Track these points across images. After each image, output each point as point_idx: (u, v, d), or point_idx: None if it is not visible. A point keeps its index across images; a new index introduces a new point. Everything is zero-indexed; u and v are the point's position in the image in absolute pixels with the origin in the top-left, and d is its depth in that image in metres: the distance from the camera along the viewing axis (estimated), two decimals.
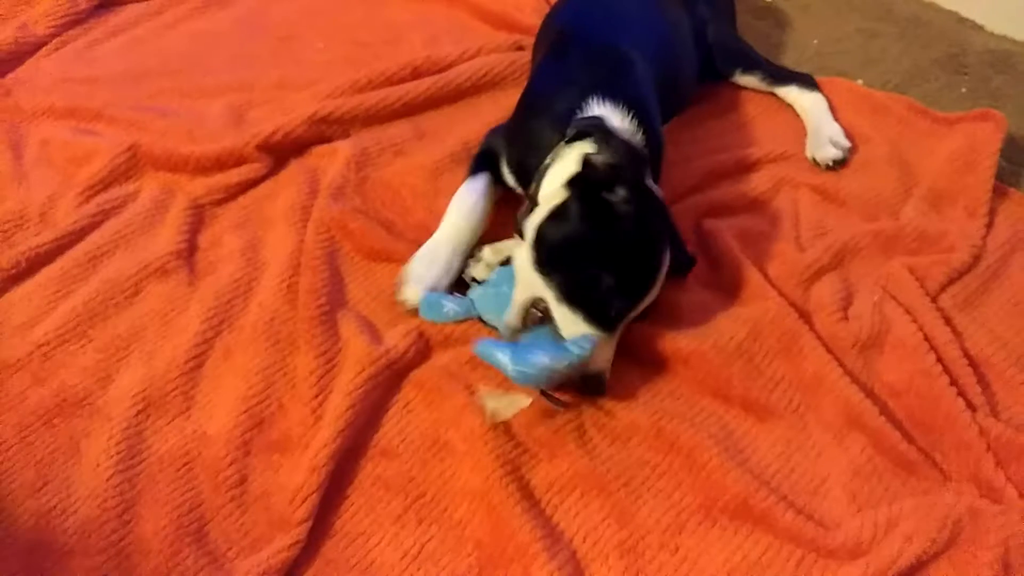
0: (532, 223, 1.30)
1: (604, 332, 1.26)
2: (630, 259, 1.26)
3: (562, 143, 1.38)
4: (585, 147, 1.33)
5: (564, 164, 1.34)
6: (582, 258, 1.25)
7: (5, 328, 1.44)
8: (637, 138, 1.41)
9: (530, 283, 1.28)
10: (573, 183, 1.28)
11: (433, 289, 1.43)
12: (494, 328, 1.38)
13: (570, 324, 1.25)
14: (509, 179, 1.57)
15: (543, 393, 1.28)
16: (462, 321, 1.41)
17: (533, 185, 1.40)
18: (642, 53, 1.59)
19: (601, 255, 1.25)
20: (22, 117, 1.86)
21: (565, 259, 1.26)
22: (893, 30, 2.17)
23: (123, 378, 1.36)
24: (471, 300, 1.41)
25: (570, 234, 1.26)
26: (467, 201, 1.51)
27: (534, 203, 1.36)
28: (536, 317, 1.28)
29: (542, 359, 1.20)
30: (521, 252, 1.31)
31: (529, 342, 1.25)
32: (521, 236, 1.34)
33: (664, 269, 1.31)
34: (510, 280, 1.34)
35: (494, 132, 1.65)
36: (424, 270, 1.44)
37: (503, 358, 1.22)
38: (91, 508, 1.20)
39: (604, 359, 1.27)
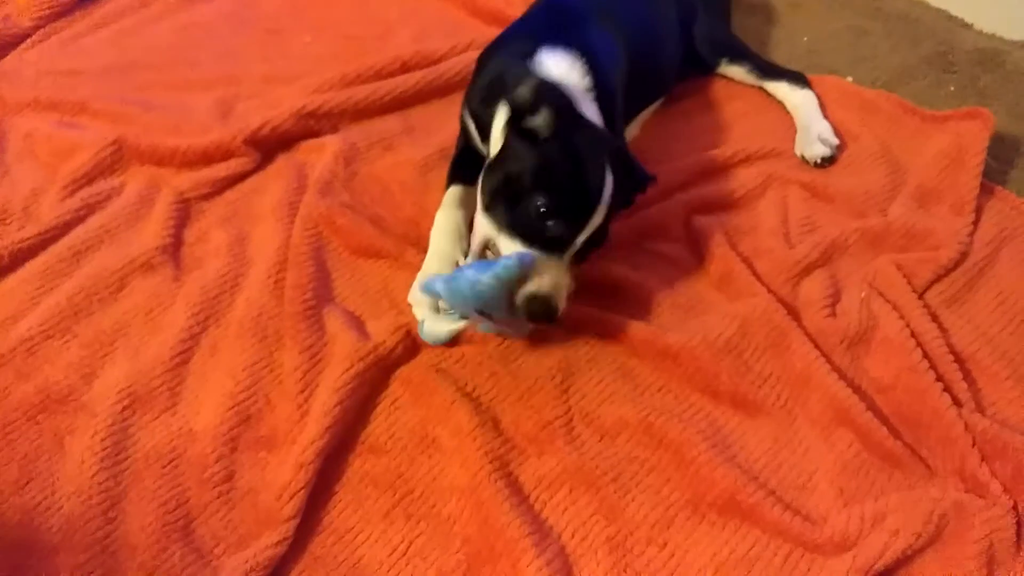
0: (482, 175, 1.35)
1: (548, 254, 1.25)
2: (563, 180, 1.27)
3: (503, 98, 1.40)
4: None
5: (500, 118, 1.39)
6: (517, 189, 1.28)
7: None
8: (586, 81, 1.44)
9: (480, 229, 1.32)
10: (505, 125, 1.33)
11: (439, 302, 1.38)
12: (503, 333, 1.37)
13: (509, 250, 1.26)
14: (482, 147, 1.58)
15: (478, 320, 1.28)
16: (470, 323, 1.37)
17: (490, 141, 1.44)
18: (612, 20, 1.64)
19: (533, 180, 1.27)
20: (5, 110, 1.85)
21: (503, 193, 1.29)
22: (883, 28, 2.17)
23: (108, 374, 1.35)
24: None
25: (505, 170, 1.30)
26: (445, 223, 1.51)
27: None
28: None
29: (466, 273, 1.20)
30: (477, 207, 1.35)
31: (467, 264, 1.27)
32: None
33: (604, 190, 1.29)
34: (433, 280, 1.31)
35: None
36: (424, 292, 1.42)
37: (439, 284, 1.22)
38: (76, 505, 1.19)
39: (549, 282, 1.23)
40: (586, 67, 1.45)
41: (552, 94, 1.32)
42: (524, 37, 1.55)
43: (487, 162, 1.38)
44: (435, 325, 1.34)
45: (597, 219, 1.29)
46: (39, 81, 1.92)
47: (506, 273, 1.19)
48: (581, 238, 1.28)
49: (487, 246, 1.31)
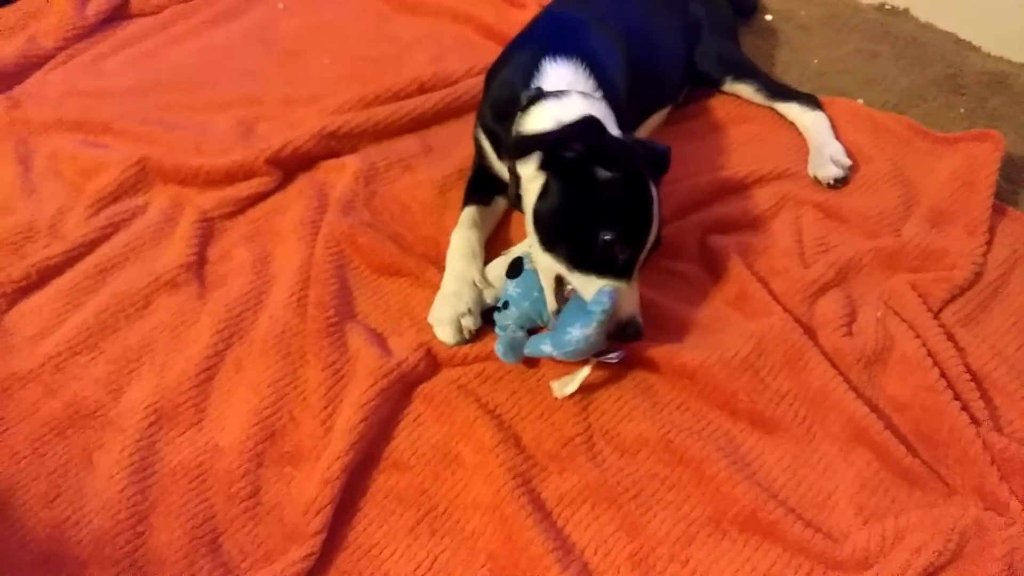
0: (528, 207, 1.37)
1: (620, 282, 1.30)
2: (621, 210, 1.31)
3: (519, 113, 1.44)
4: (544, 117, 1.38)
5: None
6: (576, 227, 1.31)
7: (16, 340, 1.45)
8: (590, 83, 1.48)
9: (546, 265, 1.35)
10: (545, 166, 1.34)
11: (459, 321, 1.43)
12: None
13: (587, 285, 1.30)
14: (494, 164, 1.62)
15: (599, 361, 1.35)
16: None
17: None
18: (609, 27, 1.68)
19: (593, 217, 1.30)
20: (31, 130, 1.88)
21: (563, 231, 1.32)
22: (891, 51, 2.21)
23: (135, 390, 1.37)
24: (515, 322, 1.41)
25: (559, 211, 1.33)
26: (461, 245, 1.54)
27: (515, 175, 1.42)
28: (569, 291, 1.34)
29: (574, 332, 1.27)
30: (529, 238, 1.38)
31: (562, 320, 1.32)
32: (517, 209, 1.44)
33: (654, 204, 1.34)
34: (528, 287, 1.40)
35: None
36: (445, 311, 1.44)
37: (547, 348, 1.31)
38: (104, 519, 1.21)
39: (631, 306, 1.32)
40: (588, 71, 1.49)
41: (579, 125, 1.32)
42: (526, 51, 1.58)
43: (523, 188, 1.39)
44: (564, 383, 1.36)
45: (654, 231, 1.34)
46: (63, 102, 1.96)
47: (606, 318, 1.27)
48: (644, 255, 1.33)
49: (560, 281, 1.34)
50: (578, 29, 1.65)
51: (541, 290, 1.39)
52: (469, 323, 1.43)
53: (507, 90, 1.54)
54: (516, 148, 1.37)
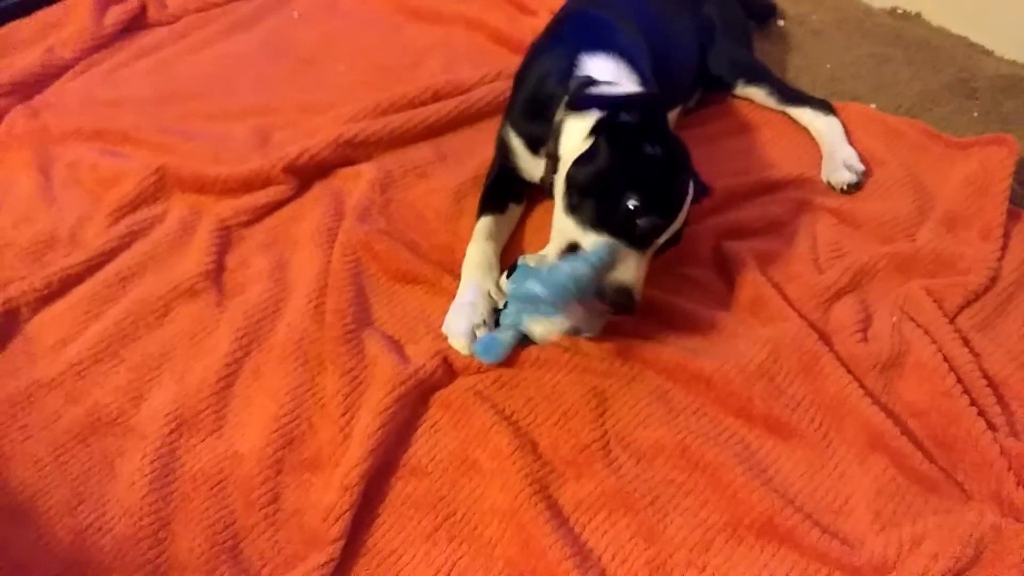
0: (560, 175, 1.38)
1: (632, 248, 1.32)
2: (655, 181, 1.34)
3: (566, 97, 1.46)
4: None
5: (578, 120, 1.43)
6: (608, 187, 1.33)
7: (38, 348, 1.47)
8: (633, 79, 1.50)
9: (564, 231, 1.37)
10: (597, 131, 1.37)
11: (474, 333, 1.43)
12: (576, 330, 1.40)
13: (598, 246, 1.31)
14: (522, 165, 1.64)
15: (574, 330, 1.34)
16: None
17: (550, 143, 1.49)
18: (632, 25, 1.71)
19: (627, 179, 1.32)
20: (50, 139, 1.90)
21: (591, 190, 1.35)
22: (904, 55, 2.21)
23: (155, 397, 1.39)
24: (512, 321, 1.41)
25: (597, 168, 1.35)
26: (478, 256, 1.55)
27: (555, 159, 1.45)
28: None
29: (564, 268, 1.27)
30: (556, 209, 1.40)
31: (556, 266, 1.31)
32: (551, 196, 1.46)
33: (688, 194, 1.37)
34: (522, 274, 1.37)
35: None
36: (460, 323, 1.44)
37: (535, 286, 1.28)
38: (127, 526, 1.22)
39: (631, 272, 1.32)
40: (629, 67, 1.52)
41: (643, 97, 1.37)
42: (559, 49, 1.60)
43: (561, 163, 1.42)
44: (543, 328, 1.34)
45: (679, 220, 1.36)
46: (82, 111, 1.98)
47: (599, 261, 1.27)
48: (664, 237, 1.35)
49: (571, 248, 1.35)
50: (610, 27, 1.67)
51: (532, 275, 1.35)
52: (483, 334, 1.43)
53: (543, 87, 1.56)
54: (578, 102, 1.40)
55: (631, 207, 1.30)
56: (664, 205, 1.34)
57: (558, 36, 1.73)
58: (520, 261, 1.41)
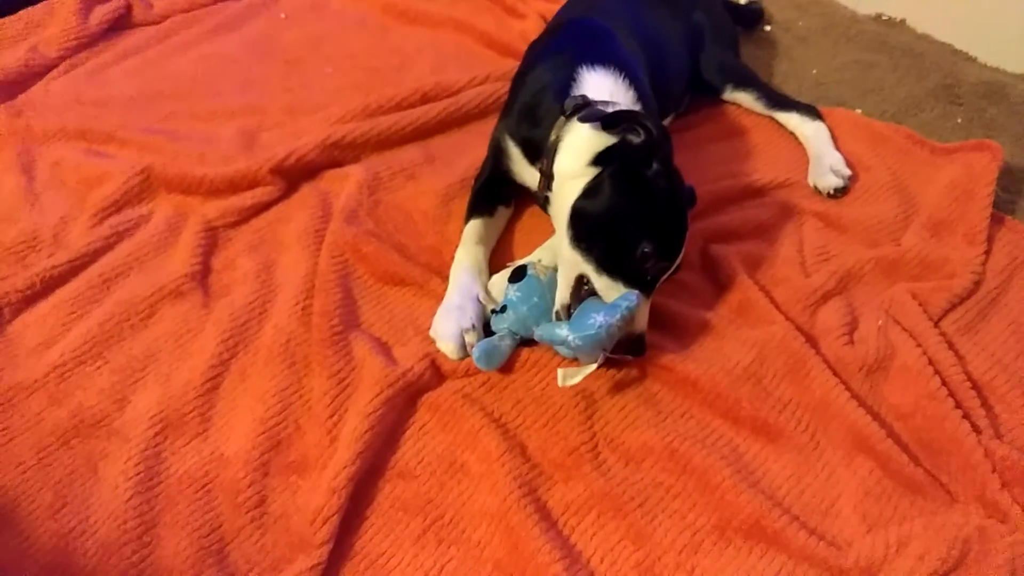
0: (565, 204, 1.38)
1: (644, 293, 1.33)
2: (666, 224, 1.36)
3: (562, 117, 1.45)
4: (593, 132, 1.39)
5: (574, 139, 1.42)
6: (620, 229, 1.33)
7: (20, 349, 1.45)
8: (629, 95, 1.50)
9: (572, 261, 1.36)
10: (603, 160, 1.36)
11: (462, 336, 1.43)
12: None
13: (611, 290, 1.33)
14: (517, 170, 1.62)
15: (608, 358, 1.34)
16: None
17: (544, 160, 1.48)
18: (631, 37, 1.71)
19: (639, 224, 1.33)
20: (33, 139, 1.88)
21: (603, 232, 1.35)
22: (889, 61, 2.23)
23: (140, 399, 1.37)
24: (510, 326, 1.42)
25: (607, 208, 1.35)
26: (467, 261, 1.54)
27: (548, 176, 1.45)
28: (586, 292, 1.35)
29: (597, 318, 1.28)
30: (559, 234, 1.40)
31: (582, 310, 1.33)
32: (544, 210, 1.47)
33: (687, 231, 1.40)
34: (528, 292, 1.41)
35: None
36: (449, 326, 1.44)
37: (562, 331, 1.31)
38: (110, 529, 1.20)
39: (643, 320, 1.35)
40: (627, 82, 1.51)
41: (663, 145, 1.35)
42: (558, 58, 1.59)
43: (562, 187, 1.41)
44: (570, 372, 1.33)
45: (681, 255, 1.38)
46: (66, 111, 1.96)
47: (630, 315, 1.29)
48: (667, 275, 1.37)
49: (583, 281, 1.36)
50: (609, 38, 1.66)
51: (541, 296, 1.40)
52: (472, 339, 1.42)
53: (540, 99, 1.55)
54: (582, 114, 1.38)
55: (645, 253, 1.32)
56: (674, 249, 1.36)
57: (558, 44, 1.70)
58: (529, 271, 1.43)
